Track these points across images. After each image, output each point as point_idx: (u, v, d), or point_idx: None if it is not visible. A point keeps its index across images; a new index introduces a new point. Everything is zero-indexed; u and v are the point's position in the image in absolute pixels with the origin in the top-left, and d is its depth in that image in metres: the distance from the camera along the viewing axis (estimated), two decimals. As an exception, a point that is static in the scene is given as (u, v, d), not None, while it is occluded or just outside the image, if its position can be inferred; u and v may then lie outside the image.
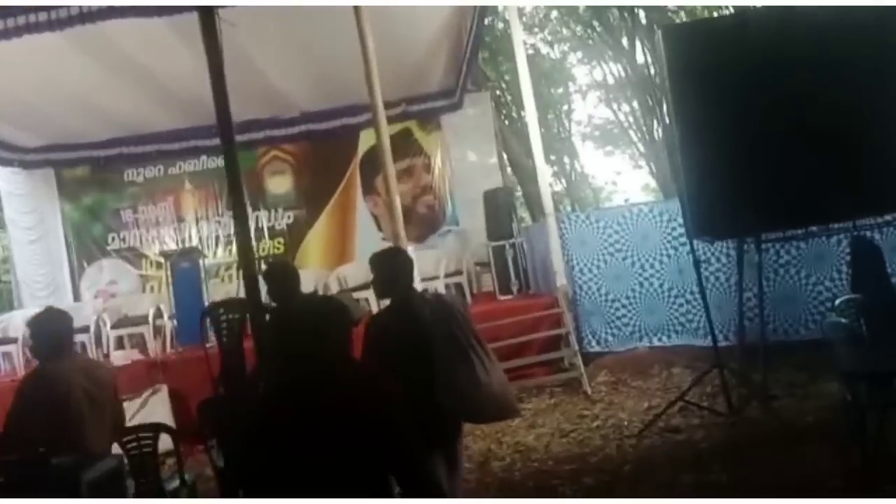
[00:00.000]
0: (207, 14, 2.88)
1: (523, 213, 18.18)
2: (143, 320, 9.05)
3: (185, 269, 8.54)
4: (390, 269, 3.49)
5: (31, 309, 10.16)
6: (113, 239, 11.34)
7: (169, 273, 8.81)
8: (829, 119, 5.10)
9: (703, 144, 5.40)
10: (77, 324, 9.42)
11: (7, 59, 7.43)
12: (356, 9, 6.58)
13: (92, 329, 9.14)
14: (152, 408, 7.10)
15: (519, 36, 8.28)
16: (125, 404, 6.95)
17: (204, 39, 3.08)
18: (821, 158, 5.11)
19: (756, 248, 5.67)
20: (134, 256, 11.30)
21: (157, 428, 4.20)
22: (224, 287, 10.07)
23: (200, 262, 8.81)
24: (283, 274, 4.45)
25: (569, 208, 22.48)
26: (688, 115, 5.49)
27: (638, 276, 7.57)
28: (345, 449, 2.03)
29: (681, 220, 7.08)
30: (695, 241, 5.88)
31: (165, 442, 4.22)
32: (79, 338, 9.39)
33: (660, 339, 7.48)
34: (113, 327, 9.18)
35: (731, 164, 5.26)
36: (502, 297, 8.91)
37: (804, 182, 5.11)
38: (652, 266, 7.51)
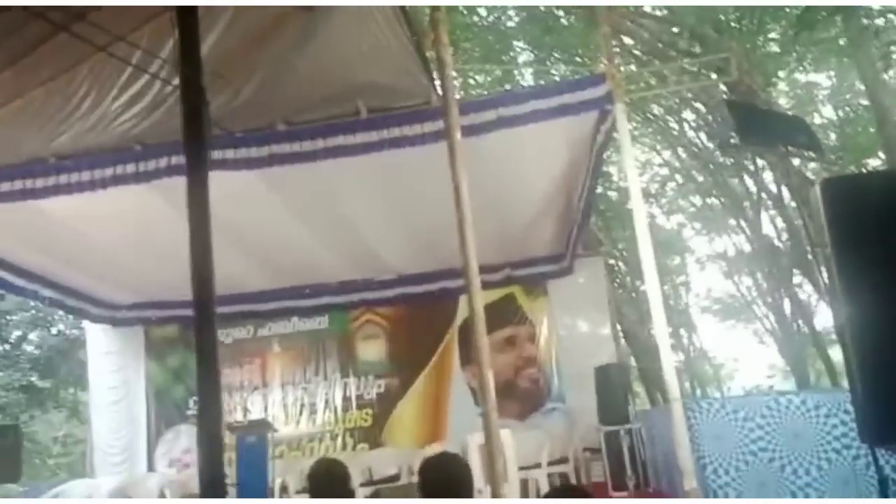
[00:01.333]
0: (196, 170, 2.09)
1: (638, 387, 16.76)
2: (206, 500, 8.06)
3: (251, 445, 7.63)
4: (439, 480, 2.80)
5: (101, 478, 9.47)
6: (194, 403, 10.68)
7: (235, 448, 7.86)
8: None
9: (881, 320, 4.18)
10: (139, 496, 8.73)
11: (99, 212, 7.23)
12: (453, 171, 5.94)
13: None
14: None
15: (639, 202, 7.36)
16: None
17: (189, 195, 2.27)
18: None
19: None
20: (213, 423, 10.52)
21: None
22: (305, 461, 9.00)
23: (269, 436, 7.87)
24: (328, 477, 3.69)
25: (686, 384, 20.70)
26: (857, 282, 4.31)
27: (790, 485, 6.07)
28: None
29: (841, 417, 5.81)
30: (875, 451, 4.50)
31: None
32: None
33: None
34: (174, 505, 8.26)
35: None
36: (616, 495, 7.55)
37: None
38: (808, 473, 6.02)
